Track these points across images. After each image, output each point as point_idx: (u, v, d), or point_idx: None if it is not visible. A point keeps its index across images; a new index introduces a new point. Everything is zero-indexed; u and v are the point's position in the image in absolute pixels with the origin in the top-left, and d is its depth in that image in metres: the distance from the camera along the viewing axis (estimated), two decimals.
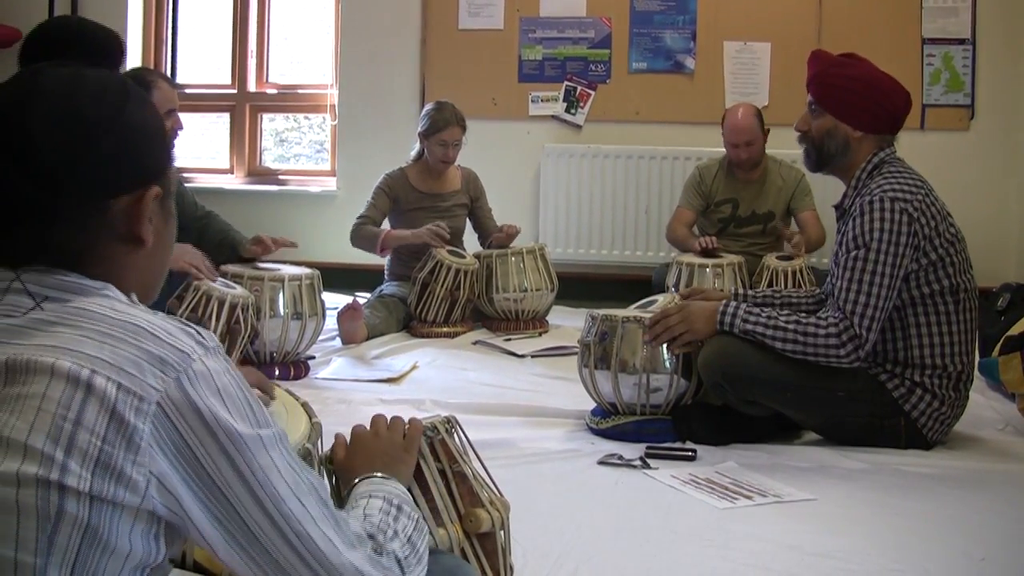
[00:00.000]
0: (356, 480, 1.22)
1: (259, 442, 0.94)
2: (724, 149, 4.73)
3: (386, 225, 4.51)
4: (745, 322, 2.63)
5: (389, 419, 1.36)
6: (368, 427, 1.34)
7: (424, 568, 1.10)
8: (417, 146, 4.54)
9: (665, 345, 2.74)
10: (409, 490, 1.26)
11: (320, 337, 3.73)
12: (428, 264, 4.20)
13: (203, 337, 0.95)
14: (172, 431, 0.90)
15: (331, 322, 4.00)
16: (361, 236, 4.39)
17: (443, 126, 4.38)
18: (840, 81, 2.71)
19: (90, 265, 0.96)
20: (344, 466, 1.29)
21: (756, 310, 2.65)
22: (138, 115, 0.99)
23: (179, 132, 3.15)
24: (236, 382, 0.95)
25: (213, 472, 0.91)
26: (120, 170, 0.97)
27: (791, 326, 2.59)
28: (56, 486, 0.85)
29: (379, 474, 1.23)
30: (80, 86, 0.96)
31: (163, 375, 0.90)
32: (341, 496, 1.23)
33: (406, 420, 1.36)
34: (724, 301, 2.72)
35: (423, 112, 4.52)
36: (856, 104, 2.69)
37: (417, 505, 1.27)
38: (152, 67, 5.88)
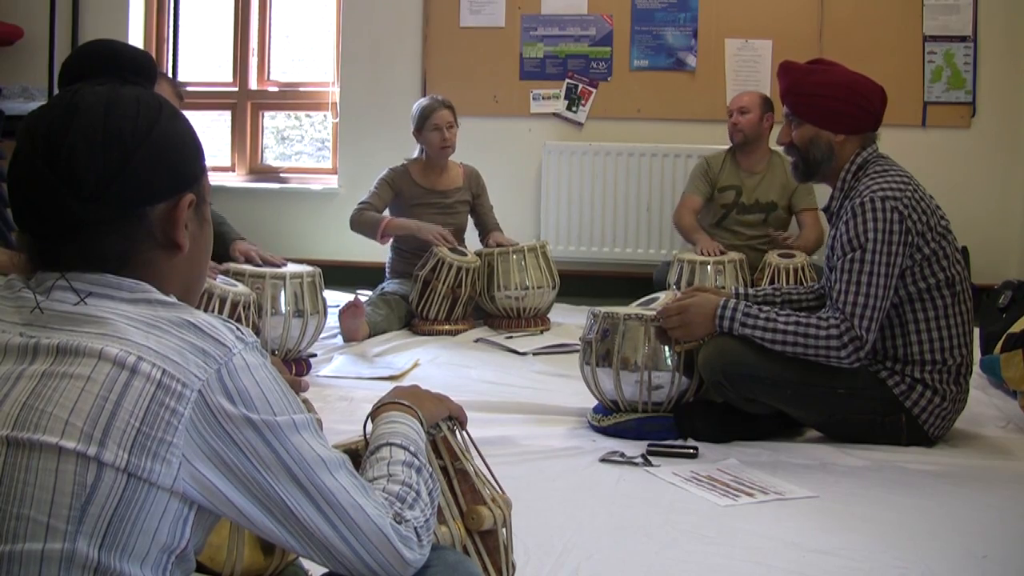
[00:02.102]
0: (380, 404, 1.31)
1: (292, 425, 1.00)
2: (726, 146, 4.75)
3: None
4: (743, 326, 2.63)
5: None
6: None
7: (434, 518, 1.15)
8: (417, 148, 4.54)
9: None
10: None
11: (321, 335, 3.72)
12: (430, 262, 4.20)
13: (243, 333, 1.01)
14: (211, 418, 0.95)
15: (332, 320, 4.00)
16: (362, 221, 4.39)
17: (430, 112, 4.40)
18: (813, 89, 2.73)
19: (132, 270, 1.02)
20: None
21: (754, 311, 2.65)
22: (170, 129, 1.05)
23: None
24: (272, 375, 1.01)
25: (250, 453, 0.97)
26: (155, 181, 1.03)
27: (790, 327, 2.59)
28: (94, 461, 0.90)
29: (405, 400, 1.33)
30: (115, 104, 1.02)
31: (205, 365, 0.96)
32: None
33: None
34: (723, 300, 2.71)
35: (411, 115, 4.50)
36: (833, 108, 2.70)
37: None
38: None
